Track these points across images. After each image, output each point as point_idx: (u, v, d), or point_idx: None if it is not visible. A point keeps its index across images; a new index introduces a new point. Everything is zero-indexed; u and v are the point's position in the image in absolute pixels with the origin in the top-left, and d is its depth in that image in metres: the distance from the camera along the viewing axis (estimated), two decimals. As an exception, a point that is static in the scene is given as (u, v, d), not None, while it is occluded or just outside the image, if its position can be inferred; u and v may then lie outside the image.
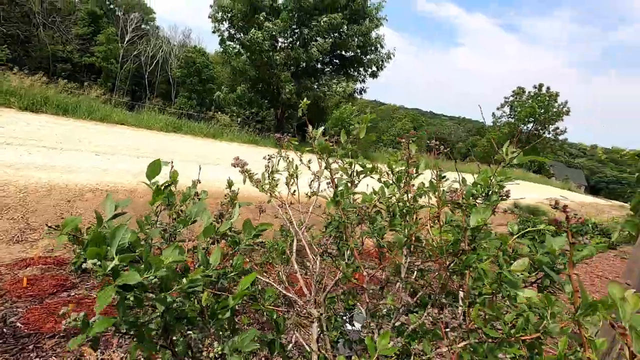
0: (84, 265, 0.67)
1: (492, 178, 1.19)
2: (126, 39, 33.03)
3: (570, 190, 33.76)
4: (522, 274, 0.79)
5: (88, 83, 24.11)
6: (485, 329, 0.78)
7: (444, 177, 1.11)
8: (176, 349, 0.86)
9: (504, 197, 1.17)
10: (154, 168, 0.96)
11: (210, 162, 9.90)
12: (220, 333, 0.85)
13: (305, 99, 1.66)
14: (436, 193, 1.07)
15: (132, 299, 0.73)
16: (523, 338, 0.80)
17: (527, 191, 19.72)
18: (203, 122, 19.10)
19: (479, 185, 1.21)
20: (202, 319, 0.85)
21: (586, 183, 55.96)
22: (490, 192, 1.19)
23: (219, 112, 21.72)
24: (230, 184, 1.37)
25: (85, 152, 8.04)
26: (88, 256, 0.67)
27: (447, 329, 0.88)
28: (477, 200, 1.16)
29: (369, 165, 1.38)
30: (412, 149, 1.42)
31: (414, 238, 1.13)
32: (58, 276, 3.42)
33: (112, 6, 36.07)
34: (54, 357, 2.18)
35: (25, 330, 2.41)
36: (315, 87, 20.44)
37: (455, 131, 54.53)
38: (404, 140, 1.41)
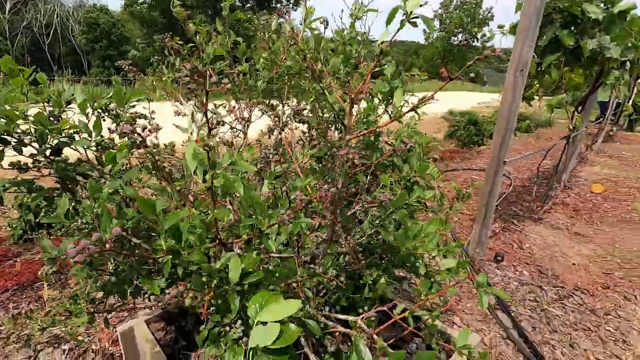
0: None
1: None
2: (7, 9, 28.06)
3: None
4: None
5: (-24, 67, 20.70)
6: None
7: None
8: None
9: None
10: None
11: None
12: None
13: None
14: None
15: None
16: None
17: (463, 99, 21.07)
18: (127, 87, 17.54)
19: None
20: (100, 168, 0.99)
21: (516, 84, 59.72)
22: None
23: (141, 74, 19.98)
24: (117, 82, 1.44)
25: (-5, 136, 7.27)
26: None
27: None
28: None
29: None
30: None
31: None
32: (-1, 249, 3.35)
33: (-25, -31, 29.88)
34: (11, 304, 2.27)
35: (-24, 292, 2.43)
36: (237, 27, 19.19)
37: (393, 55, 54.87)
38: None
